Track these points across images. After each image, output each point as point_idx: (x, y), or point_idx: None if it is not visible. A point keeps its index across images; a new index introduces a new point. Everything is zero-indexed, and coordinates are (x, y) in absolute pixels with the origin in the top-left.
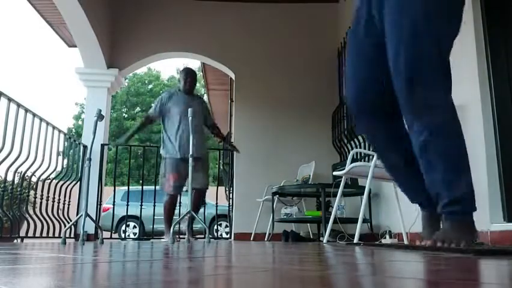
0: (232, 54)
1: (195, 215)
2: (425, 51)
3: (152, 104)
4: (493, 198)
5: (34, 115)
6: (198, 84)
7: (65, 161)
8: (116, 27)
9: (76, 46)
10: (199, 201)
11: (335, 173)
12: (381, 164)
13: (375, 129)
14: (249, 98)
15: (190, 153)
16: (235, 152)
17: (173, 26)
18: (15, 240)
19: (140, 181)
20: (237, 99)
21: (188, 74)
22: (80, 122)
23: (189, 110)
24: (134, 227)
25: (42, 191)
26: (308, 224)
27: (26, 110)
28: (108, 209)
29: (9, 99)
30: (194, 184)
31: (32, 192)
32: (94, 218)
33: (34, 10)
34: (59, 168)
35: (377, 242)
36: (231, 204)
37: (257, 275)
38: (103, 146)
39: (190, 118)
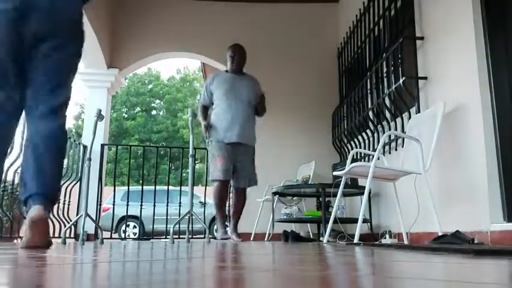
0: None
1: (195, 214)
2: None
3: (201, 93)
4: (493, 198)
5: None
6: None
7: (65, 161)
8: (116, 27)
9: None
10: (243, 200)
11: (335, 173)
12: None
13: None
14: None
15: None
16: None
17: (173, 26)
18: (15, 240)
19: (140, 181)
20: None
21: (236, 52)
22: (80, 122)
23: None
24: (134, 227)
25: None
26: (308, 224)
27: None
28: (108, 209)
29: None
30: (238, 182)
31: None
32: (94, 218)
33: None
34: None
35: (377, 242)
36: (231, 204)
37: (257, 275)
38: (103, 146)
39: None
